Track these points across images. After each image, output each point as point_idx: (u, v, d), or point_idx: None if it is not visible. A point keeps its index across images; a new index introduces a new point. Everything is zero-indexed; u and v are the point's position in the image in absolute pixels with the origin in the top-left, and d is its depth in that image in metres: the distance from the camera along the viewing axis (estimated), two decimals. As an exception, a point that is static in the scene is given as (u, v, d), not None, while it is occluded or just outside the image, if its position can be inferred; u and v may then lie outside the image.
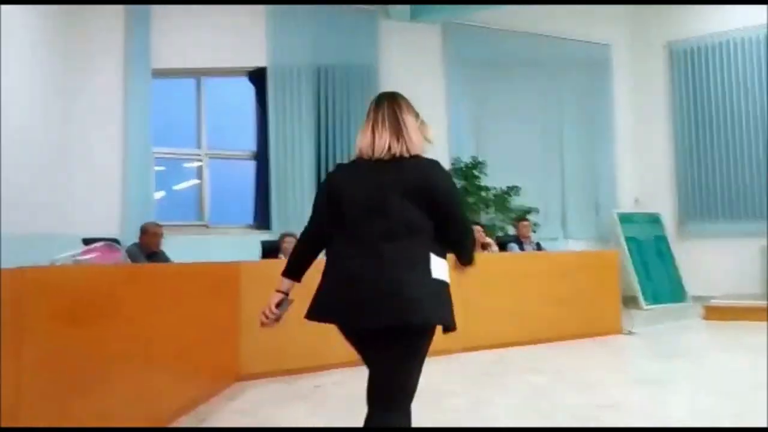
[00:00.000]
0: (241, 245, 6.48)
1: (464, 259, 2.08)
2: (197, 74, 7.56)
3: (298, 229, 7.29)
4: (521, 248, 6.82)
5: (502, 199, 8.01)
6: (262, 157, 7.61)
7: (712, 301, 7.46)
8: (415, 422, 2.57)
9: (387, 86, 7.99)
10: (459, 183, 7.83)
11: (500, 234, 7.72)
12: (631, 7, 9.75)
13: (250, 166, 7.76)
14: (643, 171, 9.65)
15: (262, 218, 7.53)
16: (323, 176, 7.65)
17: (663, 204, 9.33)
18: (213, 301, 4.15)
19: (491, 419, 3.31)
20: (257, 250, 6.11)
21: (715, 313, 7.09)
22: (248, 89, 7.74)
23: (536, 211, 8.24)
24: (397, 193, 1.91)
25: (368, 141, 1.98)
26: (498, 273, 5.73)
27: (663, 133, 9.60)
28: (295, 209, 7.44)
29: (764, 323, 6.43)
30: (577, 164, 9.33)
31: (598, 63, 9.60)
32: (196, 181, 7.64)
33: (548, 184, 9.11)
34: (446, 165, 7.88)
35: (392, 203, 1.90)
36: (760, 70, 8.82)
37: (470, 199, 7.75)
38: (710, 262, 8.72)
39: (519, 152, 8.86)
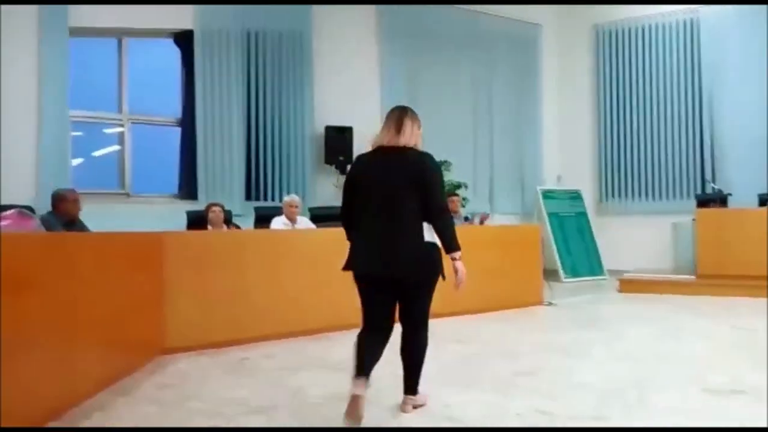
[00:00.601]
0: (165, 215, 6.29)
1: (445, 242, 2.81)
2: (118, 34, 7.16)
3: (225, 199, 7.21)
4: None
5: (432, 174, 8.11)
6: (188, 123, 7.35)
7: (627, 274, 7.90)
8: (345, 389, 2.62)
9: (320, 55, 7.88)
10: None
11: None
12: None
13: (176, 133, 7.48)
14: (566, 149, 10.01)
15: (187, 188, 7.30)
16: (253, 145, 7.51)
17: (584, 181, 9.73)
18: (135, 273, 4.02)
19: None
20: (183, 221, 5.94)
21: (629, 286, 7.51)
22: (173, 52, 7.42)
23: (465, 186, 8.40)
24: (399, 175, 2.77)
25: (380, 134, 2.88)
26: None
27: (586, 113, 9.97)
28: (223, 178, 7.27)
29: (674, 296, 6.90)
30: (505, 141, 9.56)
31: (529, 42, 9.80)
32: (117, 148, 7.30)
33: (478, 159, 9.31)
34: (378, 138, 7.89)
35: (396, 183, 2.76)
36: (680, 55, 9.27)
37: (401, 173, 7.80)
38: (626, 237, 9.20)
39: (451, 127, 8.98)
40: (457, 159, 8.47)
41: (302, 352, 4.38)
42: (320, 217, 6.29)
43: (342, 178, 7.83)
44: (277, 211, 5.88)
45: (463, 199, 7.80)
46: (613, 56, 9.75)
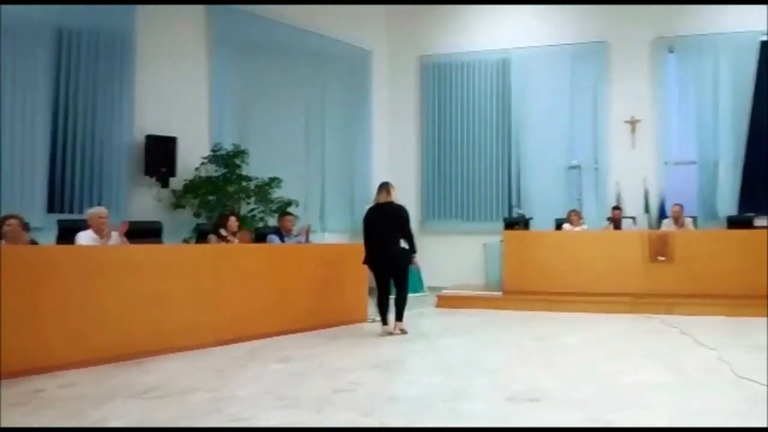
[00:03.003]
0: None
1: (411, 247, 5.76)
2: None
3: (27, 211, 6.40)
4: (282, 240, 6.86)
5: (263, 190, 7.97)
6: (-17, 126, 6.46)
7: (444, 291, 8.42)
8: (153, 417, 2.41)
9: (144, 60, 7.43)
10: (219, 171, 7.61)
11: (260, 225, 7.69)
12: (390, 17, 10.55)
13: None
14: (394, 170, 10.46)
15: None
16: (59, 151, 6.80)
17: (408, 202, 10.17)
18: None
19: (231, 411, 3.28)
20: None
21: (445, 301, 8.00)
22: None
23: (296, 203, 8.37)
24: (389, 219, 5.74)
25: (377, 196, 5.89)
26: (255, 265, 5.71)
27: (412, 138, 10.57)
28: (22, 187, 6.48)
29: (484, 310, 7.48)
30: (337, 160, 9.74)
31: (360, 66, 10.15)
32: None
33: (309, 177, 9.35)
34: (205, 151, 7.61)
35: (385, 221, 5.73)
36: (493, 90, 10.23)
37: (230, 189, 7.57)
38: (444, 256, 9.82)
39: (282, 144, 8.94)
40: (288, 176, 8.43)
41: (108, 380, 4.03)
42: (137, 232, 5.85)
43: (163, 191, 7.43)
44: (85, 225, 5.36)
45: (295, 216, 7.74)
46: (437, 87, 10.48)
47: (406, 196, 10.19)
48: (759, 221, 8.36)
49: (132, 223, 6.21)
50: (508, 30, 10.17)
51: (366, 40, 10.16)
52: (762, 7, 9.21)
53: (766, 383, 3.71)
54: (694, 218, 8.65)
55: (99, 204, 6.53)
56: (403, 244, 5.73)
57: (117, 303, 4.63)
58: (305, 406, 3.40)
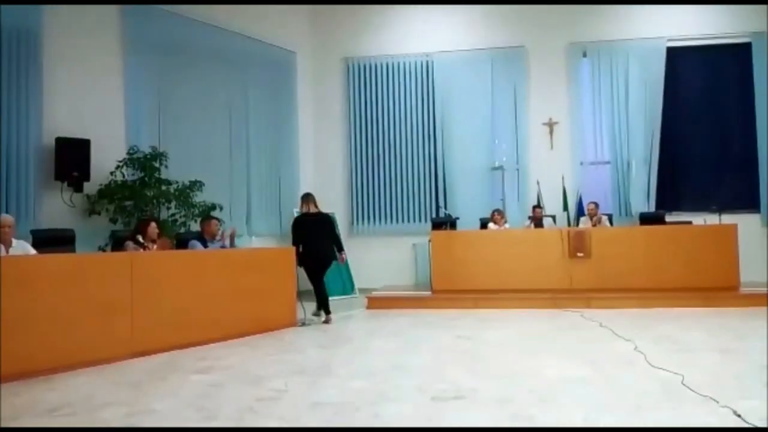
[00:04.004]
0: None
1: (338, 248, 7.07)
2: None
3: None
4: (205, 246, 6.64)
5: (184, 194, 7.70)
6: None
7: (374, 292, 8.42)
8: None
9: (54, 60, 7.06)
10: (136, 175, 7.30)
11: (182, 230, 7.42)
12: (314, 18, 10.49)
13: None
14: (321, 173, 10.40)
15: None
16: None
17: (337, 205, 10.19)
18: None
19: (146, 426, 3.14)
20: None
21: (376, 302, 8.00)
22: None
23: (220, 207, 8.15)
24: (322, 225, 6.93)
25: (302, 207, 7.04)
26: (175, 272, 5.50)
27: (339, 140, 10.52)
28: None
29: (413, 310, 7.53)
30: (262, 163, 9.56)
31: (285, 68, 10.01)
32: None
33: (234, 181, 9.13)
34: (121, 154, 7.29)
35: (320, 228, 6.90)
36: (417, 93, 10.34)
37: (148, 193, 7.27)
38: (374, 257, 9.85)
39: (205, 147, 8.67)
40: (211, 179, 8.19)
41: (12, 398, 3.76)
42: (47, 240, 5.52)
43: (77, 196, 7.05)
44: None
45: (220, 221, 7.52)
46: (362, 89, 10.48)
47: (335, 198, 10.21)
48: (670, 217, 8.85)
49: (42, 231, 5.88)
50: (430, 34, 10.31)
51: (290, 42, 10.03)
52: (667, 15, 9.79)
53: (677, 372, 3.92)
54: (610, 215, 9.06)
55: (6, 211, 6.14)
56: (333, 247, 6.99)
57: (24, 316, 4.35)
58: (225, 416, 3.30)
